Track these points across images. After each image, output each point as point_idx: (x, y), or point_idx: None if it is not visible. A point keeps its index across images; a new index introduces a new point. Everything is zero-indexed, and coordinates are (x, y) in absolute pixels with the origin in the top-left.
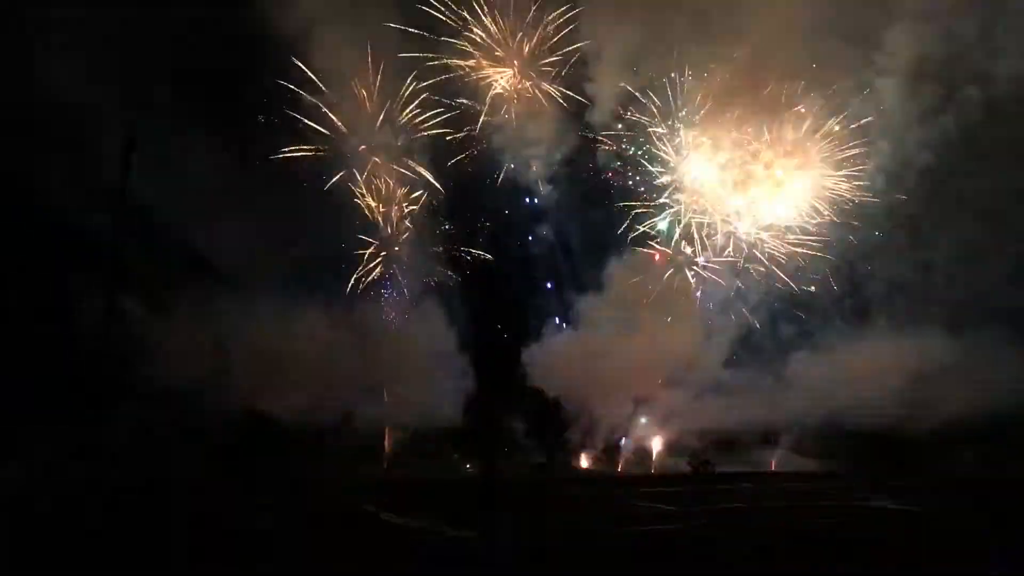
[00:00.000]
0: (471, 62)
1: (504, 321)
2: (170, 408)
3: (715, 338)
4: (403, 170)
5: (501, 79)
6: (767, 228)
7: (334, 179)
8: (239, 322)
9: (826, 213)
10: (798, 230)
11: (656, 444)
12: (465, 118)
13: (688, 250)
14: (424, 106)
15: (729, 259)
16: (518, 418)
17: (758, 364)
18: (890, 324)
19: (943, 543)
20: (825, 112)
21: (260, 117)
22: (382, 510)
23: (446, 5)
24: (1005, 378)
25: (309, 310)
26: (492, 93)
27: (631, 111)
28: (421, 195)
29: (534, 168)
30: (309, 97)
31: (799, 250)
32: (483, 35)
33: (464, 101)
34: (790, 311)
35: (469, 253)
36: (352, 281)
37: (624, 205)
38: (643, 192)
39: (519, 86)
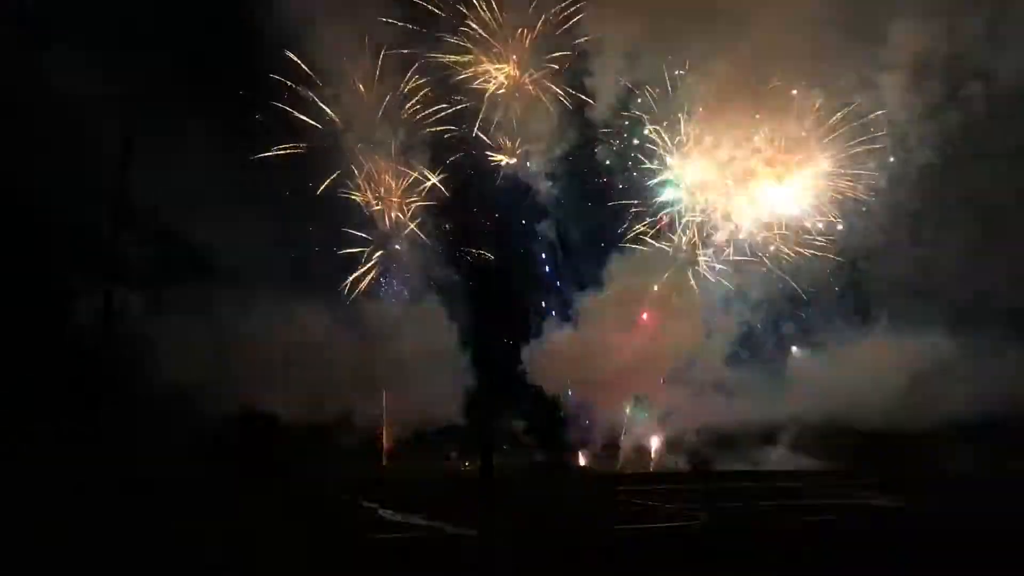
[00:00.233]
0: (469, 57)
1: (504, 318)
2: (169, 407)
3: (715, 336)
4: (402, 167)
5: (500, 75)
6: (768, 226)
7: (332, 176)
8: (238, 319)
9: (827, 210)
10: (799, 228)
11: (655, 442)
12: (464, 114)
13: (688, 247)
14: (423, 102)
15: (729, 257)
16: (518, 415)
17: (758, 362)
18: (891, 322)
19: (943, 542)
20: (828, 108)
21: (257, 116)
22: (381, 507)
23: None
24: (1005, 377)
25: (308, 307)
26: (491, 89)
27: (632, 107)
28: (421, 192)
29: (532, 165)
30: (307, 93)
31: (800, 248)
32: (481, 30)
33: (463, 97)
34: (790, 309)
35: (469, 251)
36: (352, 278)
37: (624, 203)
38: (644, 189)
39: (519, 81)
